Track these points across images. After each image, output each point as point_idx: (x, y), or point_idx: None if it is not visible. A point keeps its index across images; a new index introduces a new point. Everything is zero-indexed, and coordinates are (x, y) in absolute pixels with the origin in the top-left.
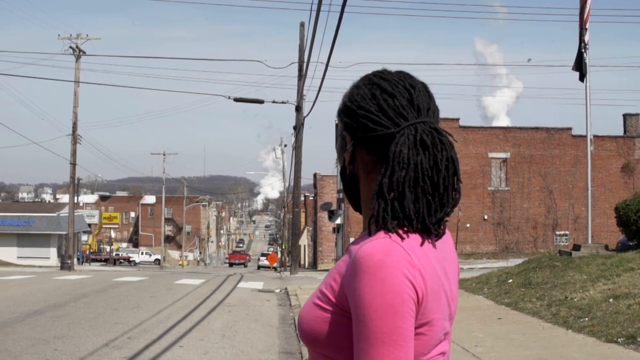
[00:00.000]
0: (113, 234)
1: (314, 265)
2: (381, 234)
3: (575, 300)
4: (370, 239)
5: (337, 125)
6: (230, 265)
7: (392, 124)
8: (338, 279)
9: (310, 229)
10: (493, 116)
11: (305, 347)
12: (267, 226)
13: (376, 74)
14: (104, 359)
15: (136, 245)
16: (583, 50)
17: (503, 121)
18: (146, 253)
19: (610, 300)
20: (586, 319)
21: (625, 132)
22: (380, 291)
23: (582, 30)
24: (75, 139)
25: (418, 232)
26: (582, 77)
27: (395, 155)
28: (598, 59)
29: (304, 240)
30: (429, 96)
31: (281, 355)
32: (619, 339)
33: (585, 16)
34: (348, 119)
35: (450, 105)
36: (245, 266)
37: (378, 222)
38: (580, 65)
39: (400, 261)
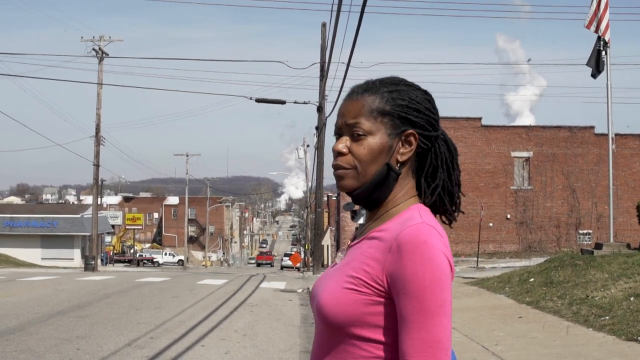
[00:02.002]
0: (136, 235)
1: None
2: (416, 219)
3: (596, 298)
4: (408, 225)
5: (383, 120)
6: (258, 265)
7: (438, 127)
8: (372, 263)
9: (333, 229)
10: (516, 113)
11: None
12: (292, 226)
13: (403, 79)
14: (126, 358)
15: (160, 244)
16: (601, 48)
17: (527, 118)
18: (169, 254)
19: (632, 298)
20: (607, 317)
21: None
22: (429, 268)
23: (596, 26)
24: (98, 140)
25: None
26: (594, 75)
27: (456, 153)
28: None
29: (327, 241)
30: None
31: (302, 355)
32: (639, 338)
33: (601, 12)
34: (418, 119)
35: (472, 104)
36: (272, 266)
37: (447, 210)
38: (597, 62)
39: (439, 243)
